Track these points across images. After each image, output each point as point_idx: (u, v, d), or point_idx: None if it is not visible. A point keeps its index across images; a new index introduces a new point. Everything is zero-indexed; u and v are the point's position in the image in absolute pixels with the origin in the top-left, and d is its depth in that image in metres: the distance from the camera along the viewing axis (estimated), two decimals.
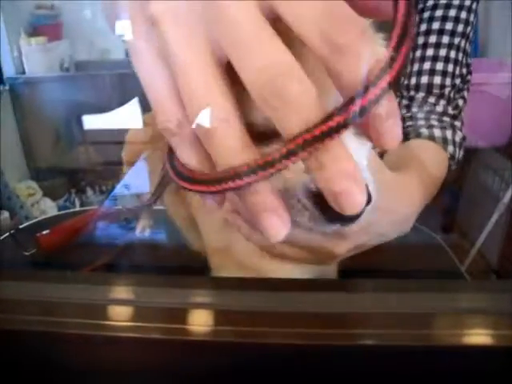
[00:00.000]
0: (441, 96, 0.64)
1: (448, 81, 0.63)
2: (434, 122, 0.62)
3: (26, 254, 0.68)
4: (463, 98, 0.67)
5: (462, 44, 0.64)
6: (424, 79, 0.64)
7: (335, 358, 0.29)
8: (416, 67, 0.65)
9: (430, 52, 0.64)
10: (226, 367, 0.30)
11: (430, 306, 0.30)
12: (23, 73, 2.38)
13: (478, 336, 0.29)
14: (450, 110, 0.64)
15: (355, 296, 0.32)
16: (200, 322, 0.30)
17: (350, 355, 0.29)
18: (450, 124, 0.63)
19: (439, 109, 0.64)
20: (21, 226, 0.82)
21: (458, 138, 0.63)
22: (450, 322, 0.30)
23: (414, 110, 0.64)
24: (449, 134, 0.62)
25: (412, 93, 0.65)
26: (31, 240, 0.69)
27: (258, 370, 0.29)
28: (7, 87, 2.30)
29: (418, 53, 0.65)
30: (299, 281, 0.39)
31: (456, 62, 0.64)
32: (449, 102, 0.65)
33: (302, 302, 0.31)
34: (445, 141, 0.61)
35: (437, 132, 0.61)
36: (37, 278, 0.35)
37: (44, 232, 0.70)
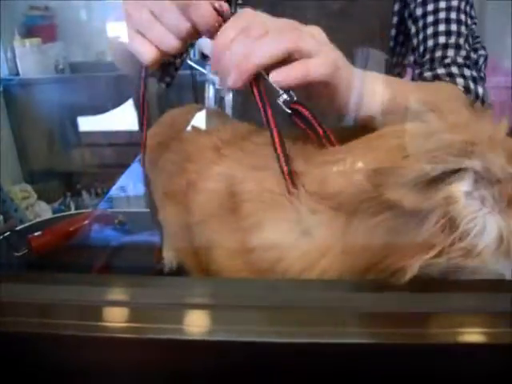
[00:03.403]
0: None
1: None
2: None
3: (17, 254, 0.68)
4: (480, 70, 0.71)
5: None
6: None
7: (331, 357, 0.29)
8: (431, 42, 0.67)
9: (441, 28, 0.67)
10: (222, 368, 0.30)
11: (429, 306, 0.30)
12: (17, 74, 2.37)
13: (476, 335, 0.29)
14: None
15: (356, 296, 0.32)
16: (196, 322, 0.30)
17: (348, 355, 0.28)
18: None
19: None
20: (15, 229, 0.82)
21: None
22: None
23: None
24: (467, 71, 0.64)
25: (427, 56, 0.67)
26: (23, 242, 0.69)
27: (256, 370, 0.29)
28: (1, 89, 2.29)
29: (430, 30, 0.67)
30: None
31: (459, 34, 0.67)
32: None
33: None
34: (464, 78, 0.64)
35: (454, 69, 0.64)
36: (31, 280, 0.34)
37: (35, 234, 0.70)
